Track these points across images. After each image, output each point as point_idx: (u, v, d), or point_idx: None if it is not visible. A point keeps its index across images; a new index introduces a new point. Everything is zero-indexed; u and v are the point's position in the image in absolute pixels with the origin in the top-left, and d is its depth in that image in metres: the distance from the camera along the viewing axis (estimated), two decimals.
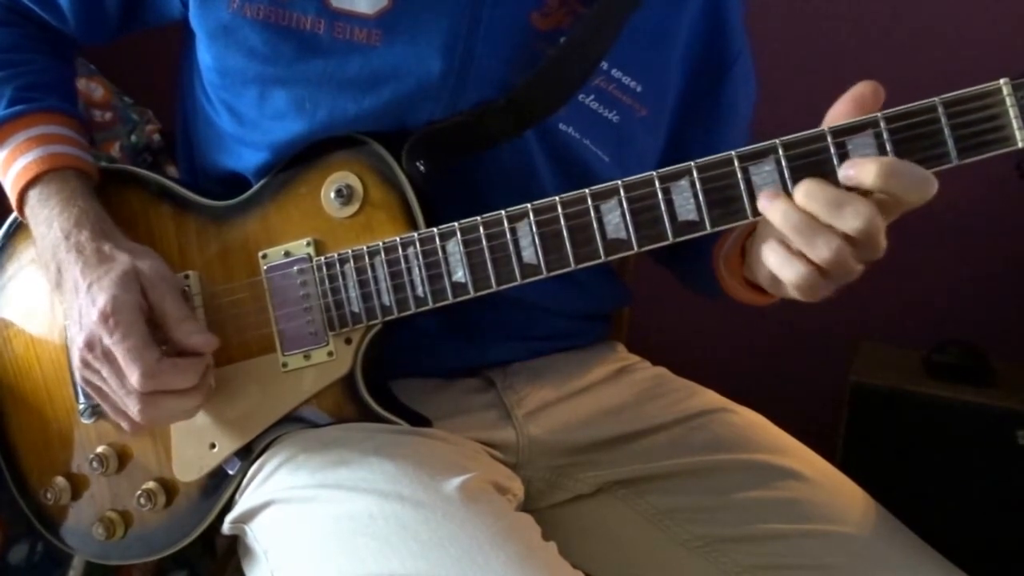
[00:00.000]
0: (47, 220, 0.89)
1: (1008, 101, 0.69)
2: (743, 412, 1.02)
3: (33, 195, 0.91)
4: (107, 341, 0.82)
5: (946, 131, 0.70)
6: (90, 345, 0.83)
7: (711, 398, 1.03)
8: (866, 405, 1.66)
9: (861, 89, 0.73)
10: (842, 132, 0.72)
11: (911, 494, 1.36)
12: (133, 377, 0.81)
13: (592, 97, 0.91)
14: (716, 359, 1.74)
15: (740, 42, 1.00)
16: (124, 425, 0.87)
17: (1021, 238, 1.81)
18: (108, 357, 0.83)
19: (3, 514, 1.19)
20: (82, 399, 0.94)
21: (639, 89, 0.93)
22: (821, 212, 0.71)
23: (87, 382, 0.86)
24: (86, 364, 0.84)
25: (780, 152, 0.73)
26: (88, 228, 0.87)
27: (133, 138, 1.33)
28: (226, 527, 0.91)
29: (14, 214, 0.96)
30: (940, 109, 0.70)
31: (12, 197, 0.92)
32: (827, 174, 0.72)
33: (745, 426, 0.99)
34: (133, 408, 0.83)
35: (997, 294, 1.83)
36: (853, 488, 0.96)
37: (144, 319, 0.83)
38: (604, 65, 0.91)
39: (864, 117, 0.72)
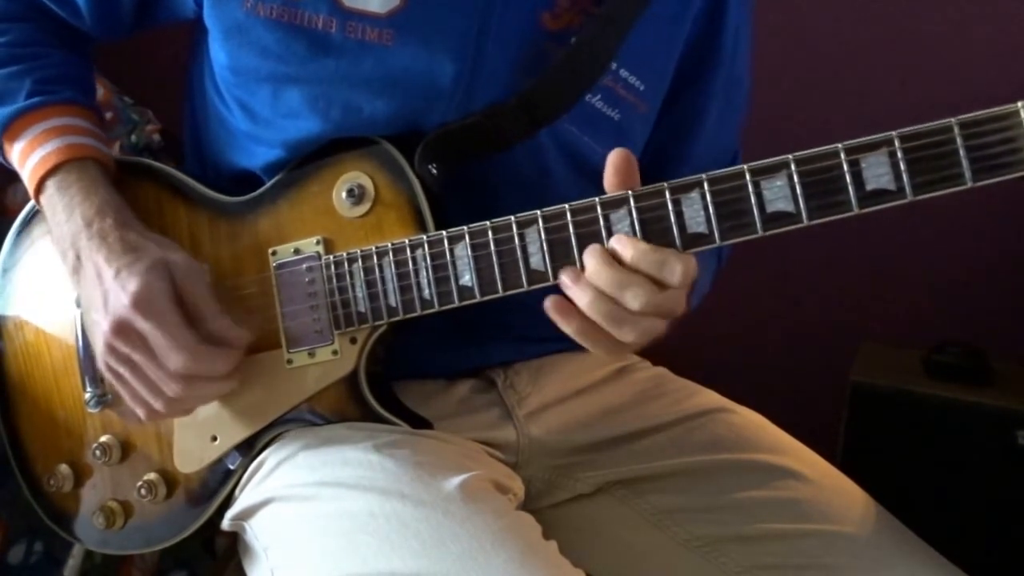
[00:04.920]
0: (67, 208, 0.89)
1: None
2: (743, 412, 1.02)
3: (52, 184, 0.91)
4: (142, 325, 0.82)
5: (961, 152, 0.69)
6: (119, 330, 0.83)
7: (711, 398, 1.03)
8: (866, 405, 1.66)
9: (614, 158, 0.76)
10: (856, 150, 0.71)
11: (911, 494, 1.36)
12: (175, 359, 0.81)
13: (599, 96, 0.91)
14: (716, 359, 1.74)
15: (729, 55, 0.99)
16: (141, 413, 0.87)
17: (1021, 238, 1.81)
18: (141, 341, 0.83)
19: (3, 514, 1.19)
20: (89, 388, 0.94)
21: (642, 88, 0.93)
22: (608, 289, 0.75)
23: (110, 368, 0.86)
24: (112, 350, 0.84)
25: (792, 167, 0.73)
26: (111, 217, 0.88)
27: (133, 138, 1.33)
28: (226, 524, 0.91)
29: (31, 202, 0.97)
30: (956, 130, 0.69)
31: (30, 187, 0.93)
32: (840, 191, 0.72)
33: (745, 426, 0.99)
34: (169, 391, 0.83)
35: (997, 294, 1.83)
36: (853, 488, 0.96)
37: (175, 307, 0.83)
38: (613, 65, 0.91)
39: (879, 135, 0.71)
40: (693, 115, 0.99)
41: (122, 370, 0.85)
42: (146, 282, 0.82)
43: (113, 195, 0.90)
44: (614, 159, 0.77)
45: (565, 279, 0.77)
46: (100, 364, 0.87)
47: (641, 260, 0.75)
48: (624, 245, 0.75)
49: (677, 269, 0.74)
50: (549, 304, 0.77)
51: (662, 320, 0.77)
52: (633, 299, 0.74)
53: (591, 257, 0.76)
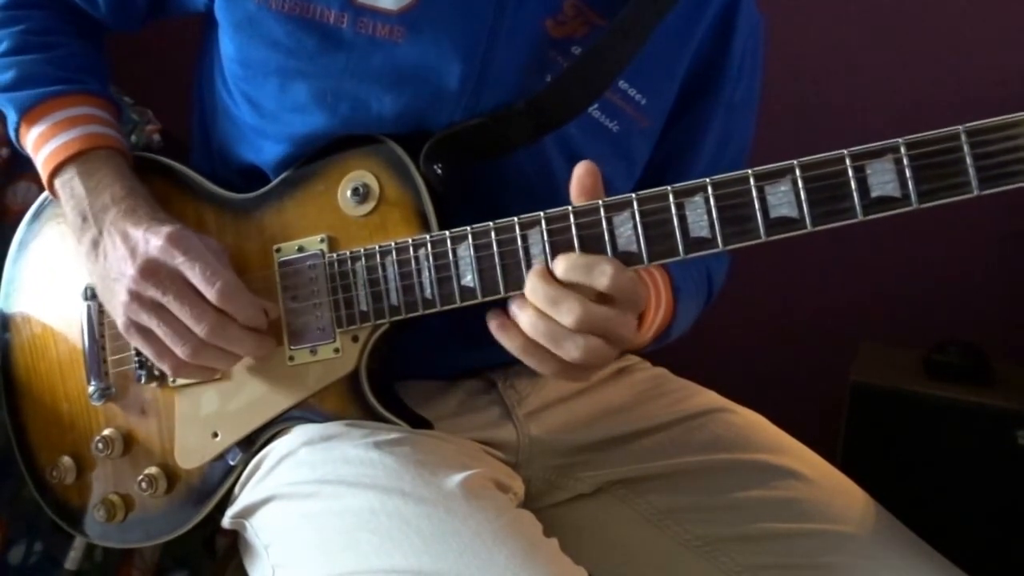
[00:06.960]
0: (94, 190, 0.90)
1: None
2: (743, 412, 1.02)
3: (74, 168, 0.91)
4: (178, 259, 0.83)
5: (968, 160, 0.68)
6: (149, 271, 0.84)
7: (711, 398, 1.03)
8: (866, 405, 1.66)
9: (579, 171, 0.77)
10: (861, 156, 0.71)
11: (911, 494, 1.36)
12: (211, 292, 0.82)
13: (596, 106, 0.90)
14: (716, 359, 1.74)
15: (732, 81, 0.98)
16: (167, 366, 0.87)
17: (1021, 238, 1.81)
18: (173, 279, 0.83)
19: (3, 514, 1.19)
20: (93, 382, 0.95)
21: (643, 102, 0.93)
22: (544, 307, 0.76)
23: (133, 323, 0.86)
24: (138, 297, 0.84)
25: (797, 173, 0.72)
26: (142, 198, 0.89)
27: (133, 138, 1.33)
28: (227, 522, 0.91)
29: (44, 193, 0.97)
30: (963, 138, 0.68)
31: (45, 171, 0.93)
32: (845, 198, 0.71)
33: (745, 426, 1.00)
34: (205, 324, 0.83)
35: (997, 294, 1.83)
36: (853, 488, 0.96)
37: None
38: None
39: (885, 142, 0.71)
40: (690, 138, 0.99)
41: (148, 319, 0.85)
42: (178, 227, 0.85)
43: (140, 184, 0.92)
44: (579, 173, 0.77)
45: (512, 306, 0.78)
46: (121, 324, 0.87)
47: (571, 268, 0.76)
48: (559, 260, 0.77)
49: (607, 270, 0.75)
50: (491, 322, 0.79)
51: (608, 344, 0.77)
52: (567, 314, 0.75)
53: (530, 275, 0.77)
